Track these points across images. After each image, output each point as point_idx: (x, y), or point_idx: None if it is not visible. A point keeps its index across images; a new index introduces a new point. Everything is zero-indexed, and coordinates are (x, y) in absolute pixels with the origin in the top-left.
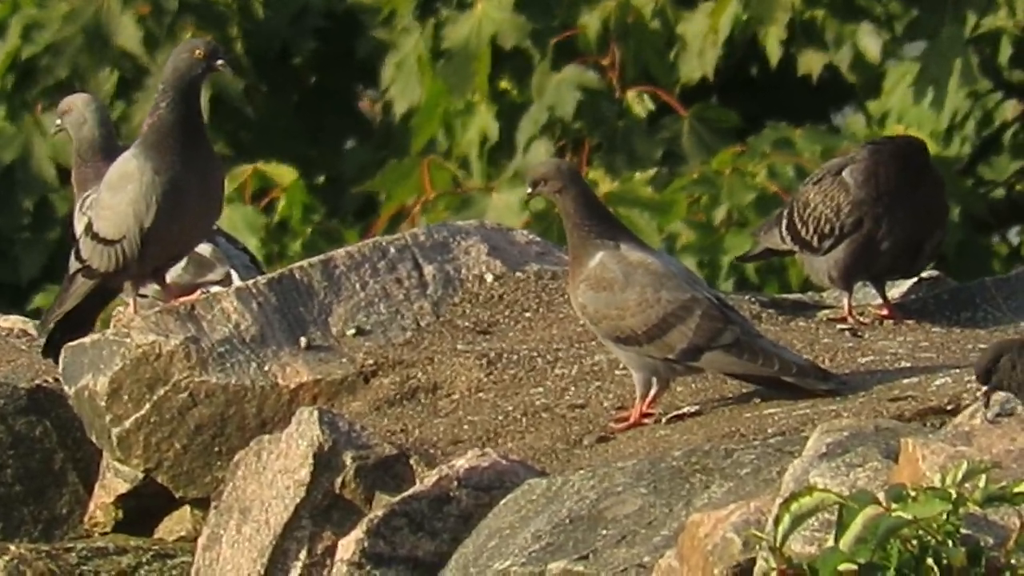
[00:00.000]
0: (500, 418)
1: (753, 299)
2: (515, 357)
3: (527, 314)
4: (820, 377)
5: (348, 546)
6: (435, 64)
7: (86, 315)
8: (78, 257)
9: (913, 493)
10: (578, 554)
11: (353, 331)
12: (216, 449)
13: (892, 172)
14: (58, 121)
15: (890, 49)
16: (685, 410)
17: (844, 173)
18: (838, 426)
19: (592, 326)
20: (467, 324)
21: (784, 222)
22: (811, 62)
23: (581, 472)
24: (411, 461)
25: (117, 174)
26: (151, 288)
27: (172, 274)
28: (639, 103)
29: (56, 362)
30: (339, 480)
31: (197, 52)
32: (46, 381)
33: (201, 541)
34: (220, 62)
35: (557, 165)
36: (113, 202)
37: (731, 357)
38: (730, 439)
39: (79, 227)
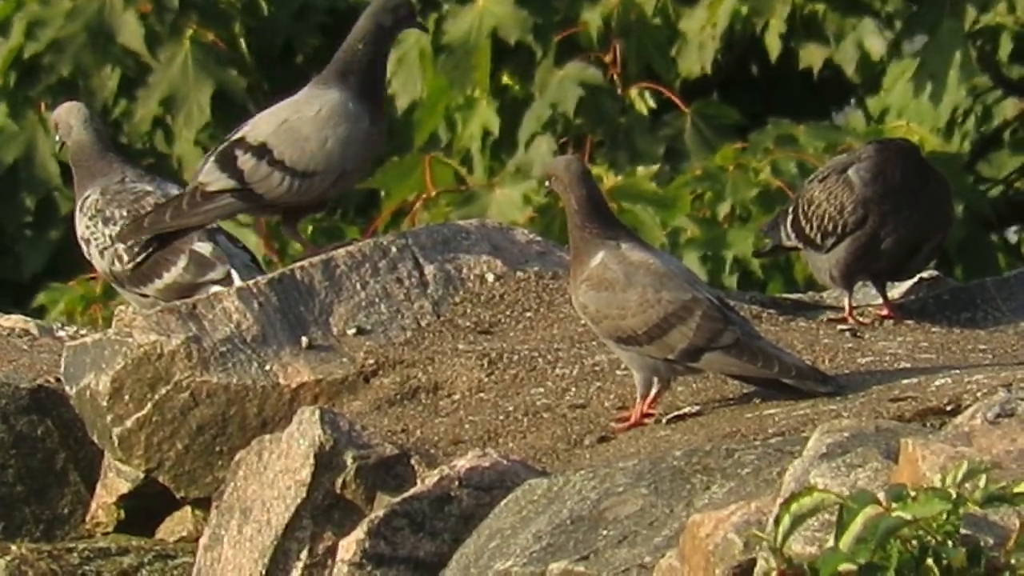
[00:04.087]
0: (501, 418)
1: (753, 299)
2: (516, 357)
3: (528, 314)
4: (819, 380)
5: (349, 546)
6: (436, 59)
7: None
8: (239, 179)
9: (913, 493)
10: (579, 555)
11: (354, 331)
12: (217, 449)
13: (899, 171)
14: (56, 137)
15: (891, 47)
16: (686, 410)
17: (850, 171)
18: (838, 426)
19: (593, 326)
20: (468, 324)
21: (789, 219)
22: (812, 56)
23: (582, 472)
24: (412, 461)
25: (329, 109)
26: (152, 288)
27: (173, 274)
28: (641, 100)
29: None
30: (340, 480)
31: (401, 10)
32: (47, 381)
33: (203, 541)
34: (419, 20)
35: (567, 163)
36: (319, 136)
37: (731, 358)
38: (731, 439)
39: (204, 174)
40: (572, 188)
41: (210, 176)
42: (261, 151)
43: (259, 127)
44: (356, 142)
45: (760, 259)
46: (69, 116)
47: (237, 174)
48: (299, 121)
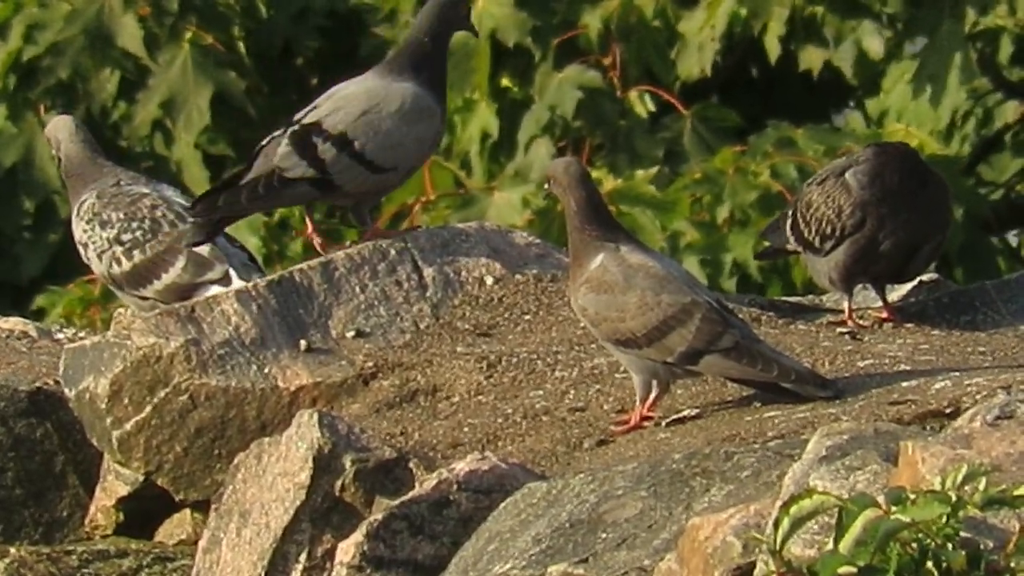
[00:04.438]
0: (500, 421)
1: (753, 302)
2: (515, 360)
3: (527, 317)
4: (818, 384)
5: (348, 549)
6: None
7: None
8: (319, 168)
9: (913, 496)
10: (578, 557)
11: (353, 333)
12: (216, 452)
13: (897, 174)
14: (53, 152)
15: (891, 49)
16: (685, 413)
17: (848, 175)
18: (838, 429)
19: (592, 328)
20: (467, 327)
21: (788, 222)
22: (811, 59)
23: (581, 475)
24: (411, 464)
25: (411, 105)
26: (151, 290)
27: (171, 275)
28: (640, 103)
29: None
30: (339, 483)
31: (462, 8)
32: (46, 383)
33: (201, 544)
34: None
35: (566, 165)
36: (400, 132)
37: (730, 361)
38: (730, 442)
39: (280, 158)
40: (571, 190)
41: (288, 162)
42: (341, 142)
43: (336, 115)
44: (431, 139)
45: (759, 262)
46: (57, 131)
47: (318, 163)
48: (380, 115)
